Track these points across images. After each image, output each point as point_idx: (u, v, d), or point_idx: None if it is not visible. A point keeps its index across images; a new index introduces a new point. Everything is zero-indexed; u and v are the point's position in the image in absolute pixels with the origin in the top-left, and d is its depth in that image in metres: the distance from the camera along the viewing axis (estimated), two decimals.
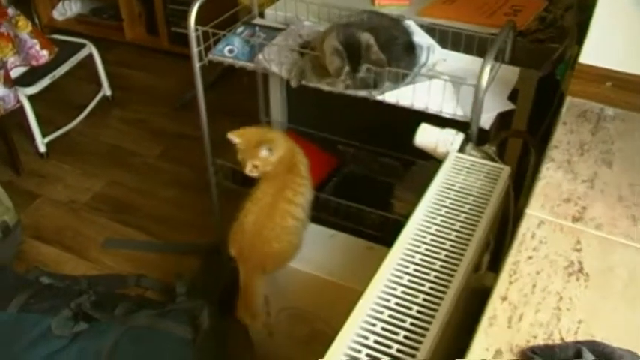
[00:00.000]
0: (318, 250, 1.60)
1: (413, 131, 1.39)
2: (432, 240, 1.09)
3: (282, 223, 1.50)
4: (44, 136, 2.71)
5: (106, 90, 3.06)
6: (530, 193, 0.99)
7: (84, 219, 2.42)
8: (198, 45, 1.60)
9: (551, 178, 1.01)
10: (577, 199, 0.96)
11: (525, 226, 0.92)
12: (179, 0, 3.19)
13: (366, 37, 1.37)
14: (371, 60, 1.36)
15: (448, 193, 1.19)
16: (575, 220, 0.92)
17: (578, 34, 1.49)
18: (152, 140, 2.84)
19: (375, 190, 1.73)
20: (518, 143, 1.67)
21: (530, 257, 0.87)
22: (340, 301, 1.56)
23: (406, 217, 1.65)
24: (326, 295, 1.57)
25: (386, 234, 1.67)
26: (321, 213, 1.69)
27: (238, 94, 2.24)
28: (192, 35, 1.58)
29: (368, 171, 1.78)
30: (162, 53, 3.42)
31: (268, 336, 1.77)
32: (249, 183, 1.76)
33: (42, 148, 2.71)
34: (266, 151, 1.46)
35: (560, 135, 1.11)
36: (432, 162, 1.42)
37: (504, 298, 0.80)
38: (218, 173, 1.79)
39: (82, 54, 2.86)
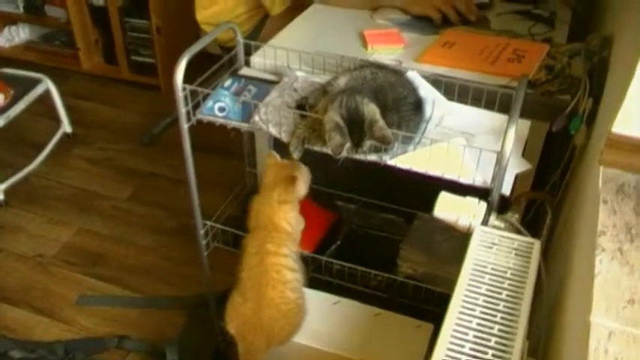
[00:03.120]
0: (323, 320, 1.50)
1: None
2: (475, 337, 1.01)
3: (281, 277, 1.41)
4: (1, 181, 2.52)
5: (66, 127, 2.87)
6: (590, 293, 0.91)
7: (53, 274, 2.24)
8: (186, 104, 1.47)
9: (608, 273, 0.94)
10: None
11: (595, 339, 0.84)
12: (139, 28, 3.03)
13: (371, 112, 1.25)
14: (375, 136, 1.25)
15: (482, 277, 1.11)
16: None
17: (590, 85, 1.44)
18: (120, 181, 2.66)
19: (379, 248, 1.64)
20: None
21: None
22: None
23: (413, 278, 1.58)
24: None
25: (393, 295, 1.59)
26: (324, 275, 1.59)
27: (216, 129, 2.06)
28: (180, 95, 1.44)
29: (369, 228, 1.68)
30: (122, 83, 3.24)
31: None
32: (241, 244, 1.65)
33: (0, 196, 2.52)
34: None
35: (605, 217, 1.03)
36: (432, 215, 1.34)
37: None
38: (208, 235, 1.67)
39: (37, 90, 2.67)
